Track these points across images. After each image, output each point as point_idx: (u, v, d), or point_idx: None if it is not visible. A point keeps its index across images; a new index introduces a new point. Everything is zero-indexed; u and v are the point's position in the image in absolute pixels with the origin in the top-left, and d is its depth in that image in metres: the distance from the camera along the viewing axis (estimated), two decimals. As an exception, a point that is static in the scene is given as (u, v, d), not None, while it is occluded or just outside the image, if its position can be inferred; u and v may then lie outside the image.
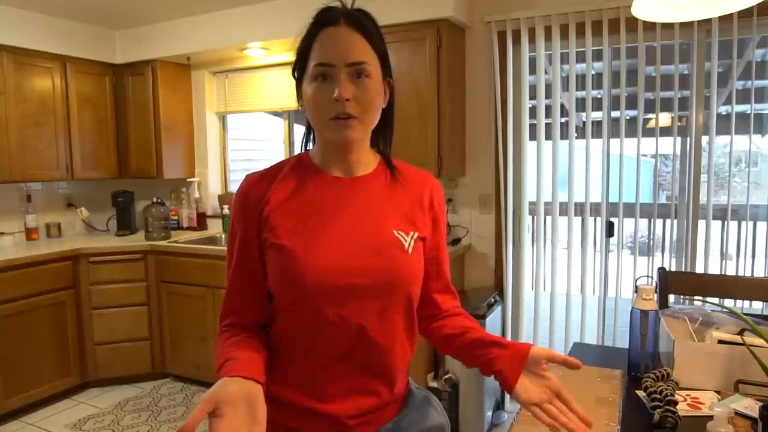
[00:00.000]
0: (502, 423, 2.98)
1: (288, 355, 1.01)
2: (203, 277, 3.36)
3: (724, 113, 2.87)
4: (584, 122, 2.81)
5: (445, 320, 1.12)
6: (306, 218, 0.99)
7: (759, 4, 1.75)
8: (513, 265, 3.10)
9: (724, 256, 2.77)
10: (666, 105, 2.67)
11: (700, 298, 1.99)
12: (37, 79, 3.48)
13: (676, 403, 1.16)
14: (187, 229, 4.08)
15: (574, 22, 2.74)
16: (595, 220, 2.95)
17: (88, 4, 3.35)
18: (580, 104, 2.82)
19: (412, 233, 1.03)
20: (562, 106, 2.90)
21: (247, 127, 4.53)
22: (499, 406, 3.08)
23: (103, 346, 3.48)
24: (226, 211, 3.94)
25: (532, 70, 2.94)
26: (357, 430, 1.01)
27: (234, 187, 4.26)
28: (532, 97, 2.96)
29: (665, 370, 1.31)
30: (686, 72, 2.72)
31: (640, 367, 1.41)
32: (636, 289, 1.44)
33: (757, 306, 2.73)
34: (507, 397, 3.13)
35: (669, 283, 1.97)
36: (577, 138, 2.87)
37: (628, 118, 2.72)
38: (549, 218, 3.00)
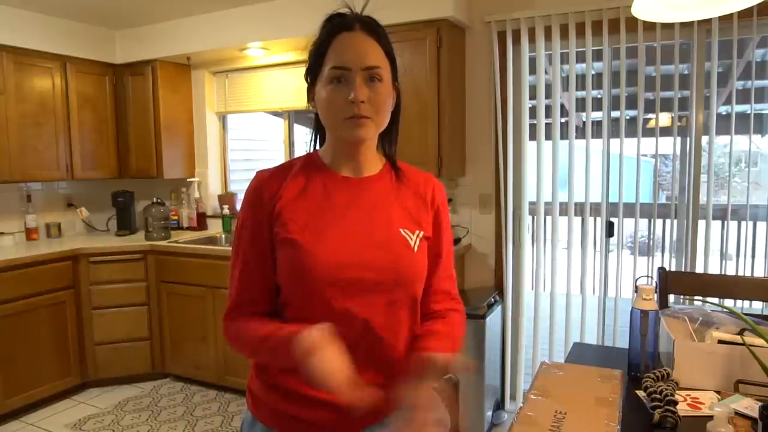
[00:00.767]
0: (502, 423, 2.98)
1: None
2: (203, 277, 3.36)
3: (724, 113, 2.88)
4: (584, 122, 2.82)
5: (423, 323, 1.13)
6: (316, 215, 1.03)
7: (759, 4, 1.75)
8: (513, 265, 3.10)
9: (724, 256, 2.77)
10: (666, 105, 2.67)
11: (700, 298, 1.99)
12: (37, 79, 3.48)
13: (676, 403, 1.16)
14: (187, 229, 4.08)
15: (574, 22, 2.74)
16: (595, 220, 2.95)
17: (88, 4, 3.35)
18: (580, 104, 2.82)
19: (417, 232, 1.07)
20: (562, 106, 2.90)
21: (247, 127, 4.53)
22: (499, 406, 3.08)
23: (103, 346, 3.49)
24: (226, 211, 3.94)
25: (532, 70, 2.94)
26: (362, 419, 1.03)
27: (234, 187, 4.26)
28: (532, 97, 2.96)
29: (665, 370, 1.32)
30: (686, 72, 2.72)
31: (640, 367, 1.41)
32: (636, 289, 1.44)
33: (757, 306, 2.73)
34: (507, 397, 3.13)
35: (669, 283, 1.97)
36: (577, 138, 2.87)
37: (628, 118, 2.72)
38: (549, 218, 3.00)
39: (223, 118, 4.20)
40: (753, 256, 3.56)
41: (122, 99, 3.94)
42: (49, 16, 3.53)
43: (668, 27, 2.58)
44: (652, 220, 2.77)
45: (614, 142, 2.75)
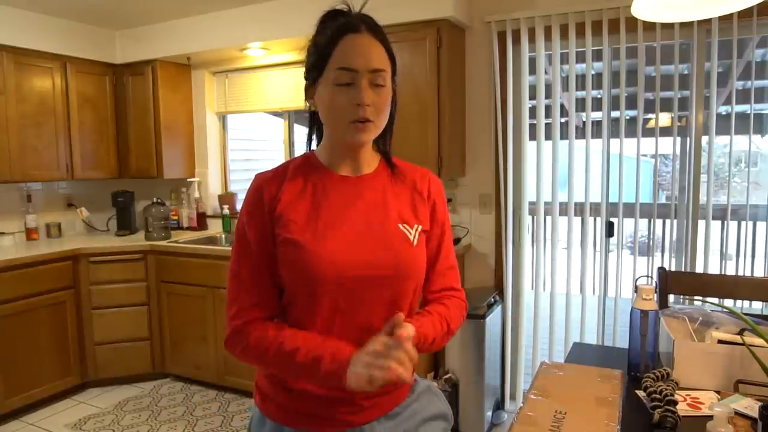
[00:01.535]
0: (502, 423, 2.99)
1: None
2: (203, 277, 3.36)
3: (723, 113, 2.88)
4: (584, 122, 2.82)
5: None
6: (316, 215, 1.04)
7: (759, 4, 1.76)
8: (513, 265, 3.10)
9: (723, 256, 2.77)
10: (666, 105, 2.67)
11: (700, 298, 2.00)
12: (37, 79, 3.48)
13: (675, 403, 1.17)
14: (187, 229, 4.08)
15: (574, 22, 2.74)
16: (594, 220, 2.95)
17: (88, 4, 3.35)
18: (580, 104, 2.82)
19: (416, 226, 1.10)
20: (562, 106, 2.90)
21: (247, 127, 4.54)
22: (499, 406, 3.09)
23: (103, 346, 3.49)
24: (226, 211, 3.94)
25: (532, 70, 2.94)
26: (370, 411, 1.07)
27: (234, 187, 4.26)
28: (532, 97, 2.96)
29: (665, 370, 1.32)
30: (686, 72, 2.72)
31: (640, 367, 1.41)
32: (636, 289, 1.44)
33: (757, 306, 2.73)
34: (507, 397, 3.13)
35: (669, 283, 1.97)
36: (576, 138, 2.87)
37: (628, 118, 2.72)
38: (549, 218, 3.00)
39: (223, 118, 4.20)
40: (753, 256, 3.56)
41: (122, 99, 3.94)
42: (49, 16, 3.53)
43: (668, 27, 2.58)
44: (652, 220, 2.77)
45: (614, 142, 2.75)
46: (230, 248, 3.50)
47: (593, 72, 2.81)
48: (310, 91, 1.07)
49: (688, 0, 1.26)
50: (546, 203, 3.00)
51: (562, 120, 2.90)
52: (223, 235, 3.84)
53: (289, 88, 3.74)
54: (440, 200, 1.17)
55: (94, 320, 3.46)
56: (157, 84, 3.81)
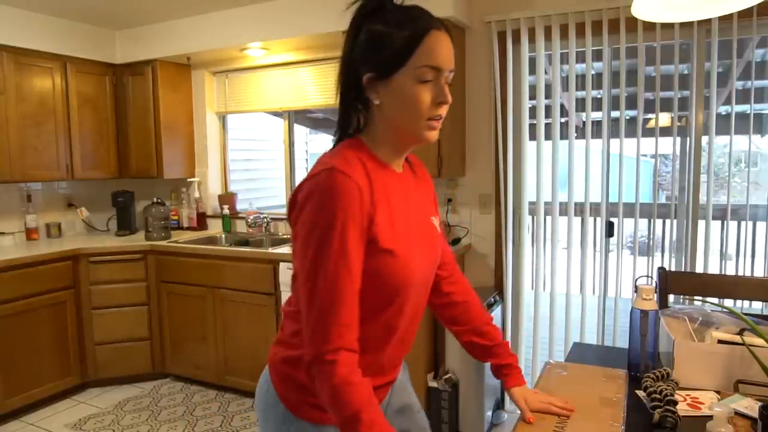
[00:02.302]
0: (502, 423, 2.99)
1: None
2: (203, 277, 3.36)
3: (723, 113, 2.88)
4: (584, 122, 2.82)
5: (464, 312, 1.30)
6: (397, 220, 1.01)
7: (759, 4, 1.76)
8: (513, 265, 3.10)
9: (723, 256, 2.77)
10: (666, 105, 2.67)
11: (700, 298, 2.00)
12: (37, 79, 3.48)
13: (675, 403, 1.17)
14: (187, 229, 4.08)
15: (574, 22, 2.74)
16: (594, 220, 2.95)
17: (88, 4, 3.35)
18: (580, 104, 2.82)
19: (437, 218, 1.17)
20: (562, 106, 2.90)
21: (247, 127, 4.54)
22: (499, 406, 3.09)
23: (103, 346, 3.49)
24: (226, 211, 3.94)
25: (532, 70, 2.95)
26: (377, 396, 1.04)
27: (234, 187, 4.26)
28: (532, 97, 2.96)
29: (665, 370, 1.32)
30: (686, 72, 2.72)
31: (640, 367, 1.41)
32: (636, 289, 1.44)
33: (757, 306, 2.73)
34: (507, 397, 3.13)
35: (669, 283, 1.97)
36: (576, 138, 2.87)
37: (627, 118, 2.72)
38: (549, 218, 3.00)
39: (223, 118, 4.20)
40: (753, 256, 3.56)
41: (122, 99, 3.94)
42: (49, 16, 3.53)
43: (668, 27, 2.58)
44: (651, 220, 2.77)
45: (614, 142, 2.75)
46: (230, 248, 3.48)
47: (593, 72, 2.81)
48: (375, 84, 0.99)
49: (688, 0, 1.26)
50: (546, 203, 3.00)
51: (562, 120, 2.90)
52: (223, 235, 3.84)
53: (289, 88, 3.74)
54: (434, 193, 1.25)
55: (94, 320, 3.46)
56: (157, 84, 3.81)
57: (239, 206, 4.07)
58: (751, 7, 2.21)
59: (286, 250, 3.17)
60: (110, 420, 3.09)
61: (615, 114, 2.75)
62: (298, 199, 0.95)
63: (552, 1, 2.80)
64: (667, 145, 2.67)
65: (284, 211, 4.00)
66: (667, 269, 1.98)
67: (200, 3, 3.36)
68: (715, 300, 2.13)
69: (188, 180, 4.11)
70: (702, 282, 2.00)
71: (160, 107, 3.83)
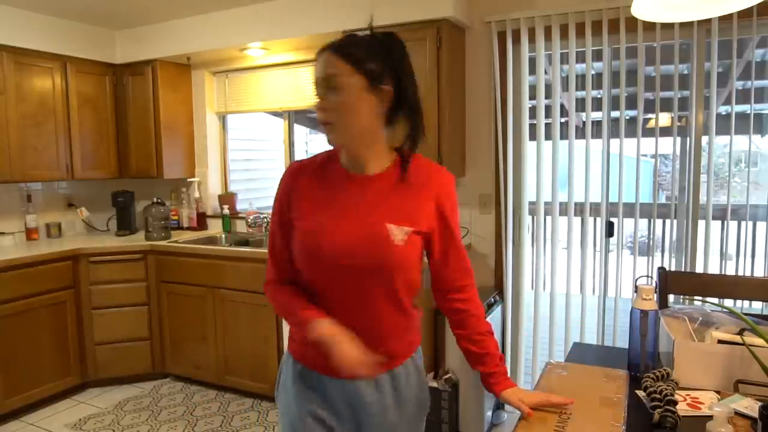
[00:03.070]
0: (502, 423, 2.99)
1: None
2: (203, 277, 3.36)
3: (723, 113, 2.88)
4: (584, 122, 2.82)
5: (462, 320, 1.34)
6: (324, 207, 1.21)
7: (759, 4, 1.76)
8: (513, 265, 3.10)
9: (723, 256, 2.77)
10: (666, 105, 2.67)
11: (700, 298, 2.00)
12: (37, 79, 3.48)
13: (675, 402, 1.17)
14: (187, 229, 4.08)
15: (574, 22, 2.75)
16: (594, 220, 2.95)
17: (88, 4, 3.35)
18: (580, 104, 2.82)
19: (407, 228, 1.20)
20: (562, 106, 2.90)
21: (247, 127, 4.54)
22: (499, 406, 3.09)
23: (103, 346, 3.49)
24: (226, 211, 3.94)
25: (532, 70, 2.95)
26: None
27: (234, 187, 4.27)
28: (532, 97, 2.96)
29: (665, 369, 1.32)
30: (686, 72, 2.72)
31: (640, 367, 1.41)
32: (636, 289, 1.44)
33: (757, 306, 2.73)
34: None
35: (669, 283, 1.97)
36: (576, 138, 2.87)
37: (627, 118, 2.72)
38: (549, 218, 3.00)
39: (223, 118, 4.20)
40: (753, 256, 3.56)
41: (122, 99, 3.94)
42: (49, 16, 3.53)
43: (668, 27, 2.58)
44: (651, 220, 2.77)
45: (614, 142, 2.75)
46: (230, 248, 3.49)
47: (593, 72, 2.81)
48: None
49: (688, 0, 1.26)
50: (546, 203, 3.00)
51: (562, 120, 2.90)
52: (223, 235, 3.84)
53: (289, 88, 3.74)
54: (449, 203, 1.30)
55: (94, 320, 3.46)
56: (157, 84, 3.81)
57: (239, 206, 4.07)
58: (751, 7, 2.21)
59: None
60: (110, 420, 3.10)
61: (615, 114, 2.75)
62: None
63: (552, 1, 2.80)
64: (667, 145, 2.67)
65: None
66: (667, 269, 1.98)
67: (200, 3, 3.36)
68: (715, 300, 2.14)
69: (188, 180, 4.11)
70: (702, 282, 2.00)
71: (160, 107, 3.83)
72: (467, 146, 3.16)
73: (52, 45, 3.54)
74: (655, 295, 1.62)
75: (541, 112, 2.91)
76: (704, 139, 2.62)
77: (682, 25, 2.55)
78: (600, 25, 2.69)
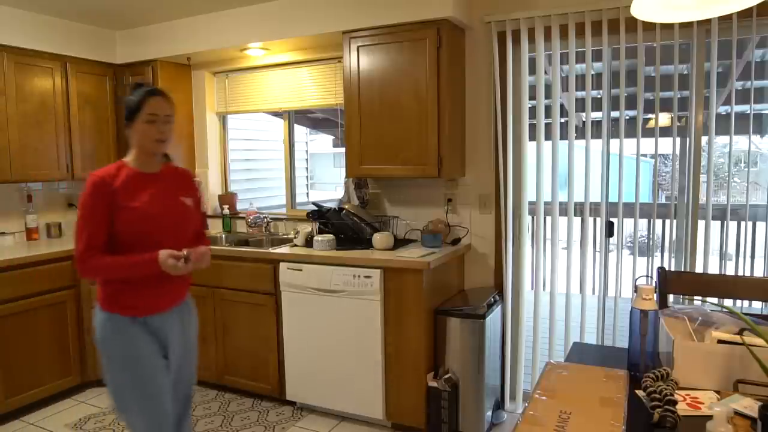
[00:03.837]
0: (502, 423, 2.99)
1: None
2: (203, 276, 3.36)
3: (723, 113, 2.88)
4: (584, 122, 2.82)
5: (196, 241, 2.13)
6: (139, 193, 1.90)
7: (758, 4, 1.76)
8: (513, 265, 3.10)
9: (723, 256, 2.77)
10: (665, 105, 2.68)
11: (700, 298, 2.00)
12: (38, 79, 3.48)
13: (675, 402, 1.17)
14: (187, 229, 4.07)
15: (574, 23, 2.75)
16: (594, 220, 2.96)
17: (88, 4, 3.35)
18: (580, 104, 2.82)
19: (187, 198, 2.04)
20: (562, 106, 2.91)
21: (247, 127, 4.54)
22: (499, 406, 3.09)
23: (104, 346, 3.48)
24: (226, 211, 3.94)
25: (532, 71, 2.95)
26: (171, 301, 2.04)
27: (234, 187, 4.27)
28: (532, 97, 2.96)
29: (665, 369, 1.32)
30: (686, 72, 2.72)
31: (640, 366, 1.42)
32: (636, 288, 1.44)
33: (757, 306, 2.73)
34: (507, 397, 3.13)
35: (668, 283, 1.97)
36: (576, 138, 2.87)
37: (627, 118, 2.73)
38: (549, 218, 3.00)
39: (223, 118, 4.20)
40: (752, 256, 3.55)
41: (122, 99, 3.93)
42: (49, 16, 3.53)
43: (668, 27, 2.58)
44: (651, 220, 2.78)
45: (614, 142, 2.76)
46: (231, 248, 3.48)
47: (593, 72, 2.81)
48: (128, 127, 1.93)
49: (688, 0, 1.26)
50: (546, 203, 3.00)
51: (562, 120, 2.91)
52: (223, 235, 3.84)
53: (289, 88, 3.74)
54: (197, 189, 2.13)
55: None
56: (157, 84, 3.80)
57: (239, 206, 4.08)
58: (751, 7, 2.21)
59: (285, 250, 3.17)
60: (110, 420, 3.10)
61: (615, 114, 2.76)
62: None
63: (552, 1, 2.80)
64: (667, 145, 2.68)
65: (284, 210, 4.00)
66: (667, 269, 1.98)
67: (200, 3, 3.36)
68: (715, 300, 2.14)
69: (188, 180, 4.11)
70: (702, 282, 2.00)
71: (160, 107, 3.82)
72: (467, 146, 3.16)
73: (52, 45, 3.54)
74: (655, 295, 1.62)
75: (541, 112, 2.91)
76: (704, 139, 2.62)
77: (682, 25, 2.55)
78: (600, 25, 2.69)
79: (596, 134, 2.80)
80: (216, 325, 3.35)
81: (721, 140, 3.10)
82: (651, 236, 2.78)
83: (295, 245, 3.27)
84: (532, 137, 2.98)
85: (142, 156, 1.94)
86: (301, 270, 3.00)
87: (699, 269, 2.69)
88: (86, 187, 1.84)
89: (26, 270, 3.14)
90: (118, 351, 1.88)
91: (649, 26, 2.60)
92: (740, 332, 1.37)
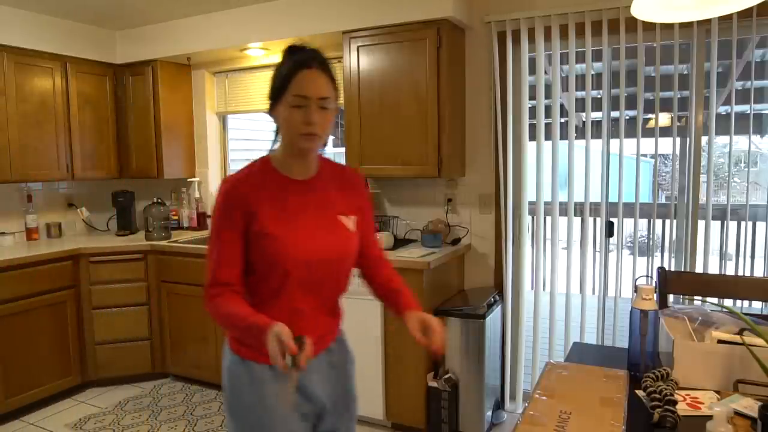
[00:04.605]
0: (502, 423, 2.99)
1: (269, 305, 1.35)
2: (203, 276, 3.36)
3: (723, 113, 2.88)
4: (584, 122, 2.82)
5: (376, 269, 1.54)
6: (282, 213, 1.33)
7: (758, 4, 1.76)
8: (513, 265, 3.10)
9: (723, 256, 2.77)
10: (665, 105, 2.68)
11: (700, 298, 2.00)
12: (38, 79, 3.48)
13: (675, 402, 1.17)
14: (188, 228, 4.08)
15: (574, 22, 2.75)
16: (594, 220, 2.96)
17: (88, 4, 3.35)
18: (580, 104, 2.82)
19: (350, 216, 1.42)
20: (562, 106, 2.91)
21: (247, 127, 4.54)
22: (499, 406, 3.09)
23: (104, 345, 3.49)
24: (226, 211, 3.93)
25: (532, 71, 2.95)
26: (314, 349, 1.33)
27: (234, 187, 4.26)
28: (532, 97, 2.96)
29: (665, 369, 1.32)
30: (686, 72, 2.72)
31: (640, 366, 1.42)
32: (636, 288, 1.44)
33: (757, 306, 2.73)
34: (507, 397, 3.13)
35: (668, 282, 1.97)
36: (576, 138, 2.87)
37: (627, 118, 2.73)
38: (549, 218, 3.00)
39: (223, 118, 4.20)
40: (753, 256, 3.56)
41: (122, 99, 3.94)
42: (49, 16, 3.53)
43: (668, 27, 2.58)
44: (651, 220, 2.78)
45: (614, 142, 2.76)
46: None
47: (593, 72, 2.81)
48: (272, 109, 1.37)
49: (688, 0, 1.26)
50: (546, 203, 3.00)
51: (562, 120, 2.91)
52: (223, 235, 3.83)
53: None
54: (366, 192, 1.51)
55: (95, 320, 3.46)
56: (157, 84, 3.81)
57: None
58: (751, 7, 2.21)
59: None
60: (110, 420, 3.10)
61: (615, 114, 2.76)
62: None
63: (552, 1, 2.80)
64: (667, 145, 2.68)
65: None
66: (667, 269, 1.98)
67: (200, 3, 3.36)
68: (715, 300, 2.14)
69: (188, 180, 4.11)
70: (702, 282, 2.00)
71: (160, 107, 3.83)
72: (467, 146, 3.16)
73: (52, 45, 3.54)
74: (655, 295, 1.62)
75: (541, 112, 2.91)
76: (704, 139, 2.62)
77: (682, 25, 2.55)
78: (600, 25, 2.69)
79: (596, 134, 2.80)
80: (216, 324, 3.35)
81: (721, 140, 3.10)
82: (651, 236, 2.78)
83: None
84: (532, 137, 2.98)
85: (289, 155, 1.37)
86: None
87: (699, 269, 2.69)
88: (217, 194, 1.35)
89: (26, 270, 3.14)
90: (246, 406, 1.37)
91: (649, 26, 2.60)
92: (740, 332, 1.37)
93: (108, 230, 4.16)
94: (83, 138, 3.75)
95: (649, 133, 2.71)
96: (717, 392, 1.30)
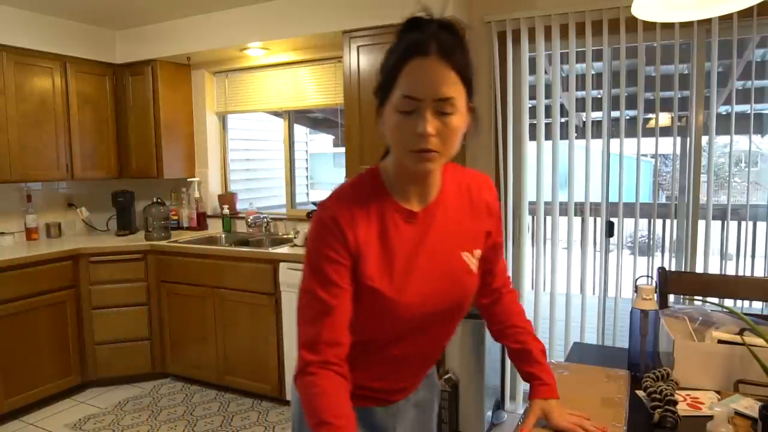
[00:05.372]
0: (502, 423, 2.99)
1: (365, 351, 1.08)
2: (203, 276, 3.36)
3: (723, 113, 2.88)
4: (584, 122, 2.82)
5: (493, 307, 1.25)
6: (392, 259, 1.02)
7: (759, 4, 1.76)
8: (513, 265, 3.10)
9: (724, 256, 2.77)
10: (666, 105, 2.67)
11: (700, 298, 1.99)
12: (38, 79, 3.48)
13: (675, 402, 1.17)
14: (188, 229, 4.08)
15: (574, 22, 2.75)
16: (595, 220, 2.95)
17: (88, 4, 3.35)
18: (580, 104, 2.82)
19: (475, 251, 1.11)
20: (562, 106, 2.90)
21: (247, 127, 4.54)
22: (499, 406, 3.09)
23: (104, 345, 3.49)
24: (226, 210, 3.94)
25: (532, 70, 2.94)
26: (396, 397, 1.19)
27: (234, 187, 4.26)
28: (532, 97, 2.96)
29: (665, 369, 1.32)
30: (686, 72, 2.72)
31: (640, 366, 1.41)
32: (636, 288, 1.44)
33: (757, 306, 2.73)
34: (507, 397, 3.13)
35: (669, 283, 1.97)
36: (577, 138, 2.87)
37: (628, 118, 2.72)
38: (549, 218, 3.00)
39: (223, 118, 4.20)
40: (753, 256, 3.56)
41: (122, 99, 3.94)
42: (49, 16, 3.53)
43: (668, 27, 2.58)
44: (652, 220, 2.77)
45: (614, 142, 2.76)
46: (230, 248, 3.47)
47: (593, 72, 2.81)
48: (379, 112, 1.00)
49: (688, 0, 1.26)
50: (546, 203, 3.00)
51: (562, 120, 2.90)
52: (223, 235, 3.84)
53: (289, 88, 3.74)
54: (495, 208, 1.17)
55: (95, 320, 3.46)
56: (157, 84, 3.81)
57: (239, 206, 4.07)
58: (751, 7, 2.21)
59: (285, 250, 3.17)
60: (110, 420, 3.09)
61: (615, 114, 2.75)
62: None
63: (552, 1, 2.80)
64: (667, 145, 2.67)
65: (284, 210, 4.00)
66: (667, 269, 1.98)
67: (200, 3, 3.36)
68: (715, 300, 2.13)
69: (188, 180, 4.11)
70: (702, 282, 2.00)
71: (160, 107, 3.83)
72: (467, 146, 3.16)
73: (52, 45, 3.54)
74: (655, 295, 1.62)
75: (541, 112, 2.91)
76: (704, 139, 2.62)
77: (682, 25, 2.55)
78: (600, 25, 2.69)
79: (596, 134, 2.80)
80: (216, 325, 3.35)
81: (722, 140, 3.10)
82: (651, 236, 2.78)
83: (295, 245, 3.27)
84: (532, 137, 2.98)
85: (402, 175, 1.04)
86: (301, 270, 3.00)
87: (699, 269, 2.69)
88: (311, 228, 1.03)
89: (26, 270, 3.14)
90: None
91: (649, 26, 2.60)
92: (740, 332, 1.37)
93: (108, 230, 4.16)
94: (83, 138, 3.75)
95: (649, 132, 2.70)
96: (717, 392, 1.30)
